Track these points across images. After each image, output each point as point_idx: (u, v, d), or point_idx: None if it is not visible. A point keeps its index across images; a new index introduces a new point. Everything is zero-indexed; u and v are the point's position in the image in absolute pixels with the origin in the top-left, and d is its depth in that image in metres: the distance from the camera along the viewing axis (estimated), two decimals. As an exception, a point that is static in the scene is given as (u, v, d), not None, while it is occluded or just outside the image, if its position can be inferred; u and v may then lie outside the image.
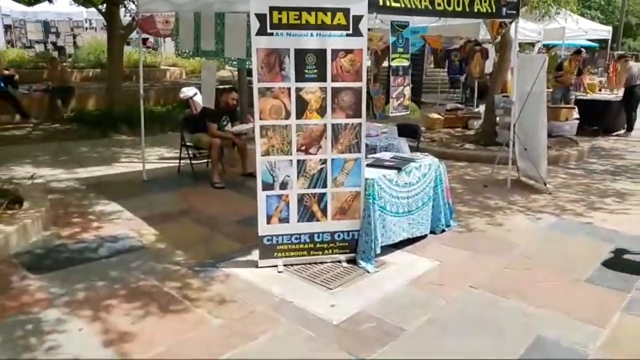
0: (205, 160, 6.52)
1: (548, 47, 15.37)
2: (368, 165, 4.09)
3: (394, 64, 4.69)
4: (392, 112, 4.87)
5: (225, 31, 5.27)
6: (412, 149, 5.63)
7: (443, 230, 4.62)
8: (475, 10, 5.09)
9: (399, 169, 4.18)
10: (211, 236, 4.51)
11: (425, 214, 4.44)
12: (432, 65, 12.44)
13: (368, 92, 8.30)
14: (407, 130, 6.04)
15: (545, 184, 5.86)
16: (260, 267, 3.85)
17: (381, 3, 4.05)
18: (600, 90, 10.97)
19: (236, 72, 9.77)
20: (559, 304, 3.35)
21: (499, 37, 7.01)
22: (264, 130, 3.74)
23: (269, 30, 3.59)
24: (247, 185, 5.83)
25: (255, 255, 3.95)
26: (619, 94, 10.73)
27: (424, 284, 3.65)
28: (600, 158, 7.86)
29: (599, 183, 6.38)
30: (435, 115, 9.67)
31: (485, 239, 4.52)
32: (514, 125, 6.01)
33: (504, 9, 5.42)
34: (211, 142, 6.05)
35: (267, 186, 3.82)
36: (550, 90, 9.96)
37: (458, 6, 4.89)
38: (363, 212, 3.94)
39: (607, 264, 3.99)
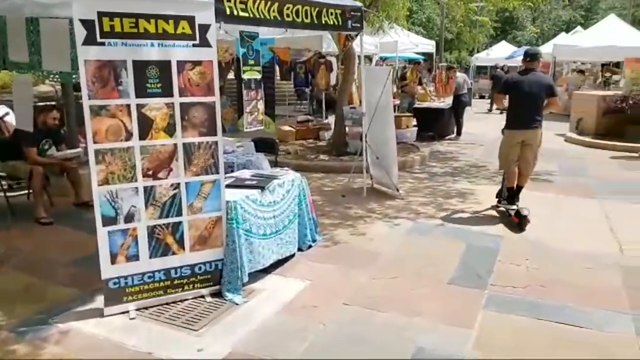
0: (26, 192, 5.49)
1: (383, 60, 16.61)
2: (228, 186, 3.74)
3: (245, 76, 4.42)
4: (246, 128, 4.60)
5: (41, 39, 4.46)
6: (271, 164, 5.42)
7: (310, 246, 4.47)
8: (323, 22, 5.10)
9: (262, 188, 3.90)
10: (40, 285, 3.72)
11: (292, 231, 4.24)
12: (278, 78, 12.53)
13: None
14: (264, 145, 5.81)
15: (397, 190, 6.11)
16: (108, 316, 3.26)
17: (228, 12, 3.77)
18: (431, 98, 12.12)
19: (60, 87, 8.54)
20: (429, 310, 3.39)
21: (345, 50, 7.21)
22: (101, 155, 3.16)
23: (99, 40, 3.06)
24: (83, 218, 4.99)
25: (99, 302, 3.34)
26: (446, 101, 11.94)
27: (297, 309, 3.43)
28: (439, 161, 8.56)
29: (442, 185, 6.89)
30: (287, 128, 9.65)
31: (351, 251, 4.48)
32: (365, 135, 6.18)
33: (350, 22, 5.54)
34: (31, 170, 5.09)
35: (108, 220, 3.24)
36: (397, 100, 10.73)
37: (306, 18, 4.84)
38: (226, 239, 3.58)
39: (463, 262, 4.21)
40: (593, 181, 7.09)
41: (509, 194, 5.30)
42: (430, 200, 6.09)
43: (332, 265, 4.14)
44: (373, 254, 4.39)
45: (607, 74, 15.37)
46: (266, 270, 3.90)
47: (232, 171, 4.62)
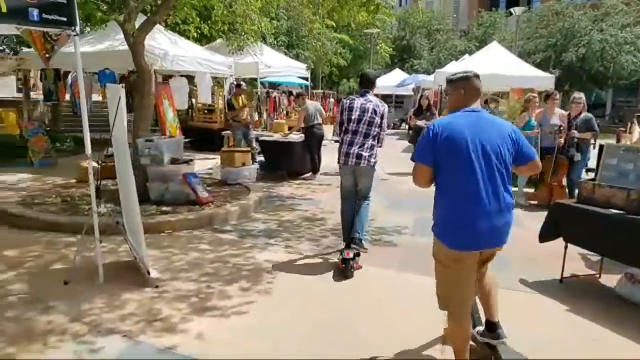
0: None
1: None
2: None
3: None
4: None
5: None
6: None
7: None
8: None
9: None
10: None
11: None
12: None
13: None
14: None
15: (148, 272, 3.96)
16: None
17: None
18: (289, 129, 10.30)
19: None
20: None
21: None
22: None
23: None
24: None
25: None
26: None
27: None
28: (269, 212, 6.51)
29: (243, 254, 4.79)
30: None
31: None
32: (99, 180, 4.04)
33: (36, 12, 3.47)
34: None
35: None
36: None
37: None
38: None
39: None
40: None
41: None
42: (199, 288, 3.96)
43: None
44: None
45: (492, 105, 14.50)
46: None
47: None
